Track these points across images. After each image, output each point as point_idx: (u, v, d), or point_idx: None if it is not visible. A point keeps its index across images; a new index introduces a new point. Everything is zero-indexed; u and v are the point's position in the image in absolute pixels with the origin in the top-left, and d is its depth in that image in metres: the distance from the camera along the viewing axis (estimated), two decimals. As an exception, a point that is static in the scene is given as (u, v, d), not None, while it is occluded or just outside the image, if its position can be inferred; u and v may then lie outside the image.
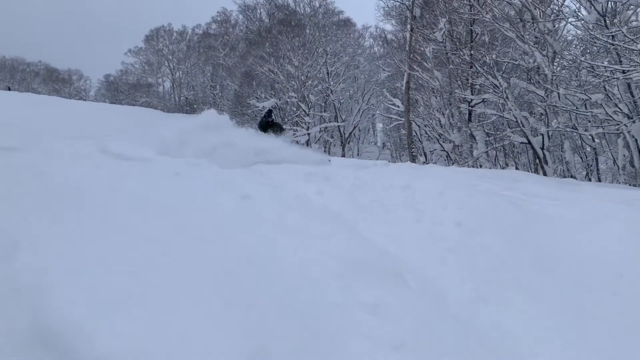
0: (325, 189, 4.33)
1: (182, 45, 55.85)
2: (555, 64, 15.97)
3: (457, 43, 19.54)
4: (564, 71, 16.16)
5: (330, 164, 8.01)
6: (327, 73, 34.49)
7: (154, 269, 1.79)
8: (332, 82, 34.48)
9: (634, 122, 13.75)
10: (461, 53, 19.05)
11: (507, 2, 17.53)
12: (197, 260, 1.92)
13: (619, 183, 17.28)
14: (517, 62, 17.36)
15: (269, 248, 2.15)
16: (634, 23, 15.41)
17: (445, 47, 20.25)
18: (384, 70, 32.80)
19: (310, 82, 33.13)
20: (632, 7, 14.98)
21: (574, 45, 17.84)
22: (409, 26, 23.11)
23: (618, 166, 17.37)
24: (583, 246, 3.60)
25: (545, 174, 15.92)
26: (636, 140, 14.39)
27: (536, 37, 16.57)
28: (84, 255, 1.80)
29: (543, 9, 16.99)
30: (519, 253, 3.52)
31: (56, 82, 59.55)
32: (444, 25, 19.74)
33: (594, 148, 18.66)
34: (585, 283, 2.99)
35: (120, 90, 56.84)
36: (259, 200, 2.67)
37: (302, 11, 38.86)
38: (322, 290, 2.01)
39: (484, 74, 17.50)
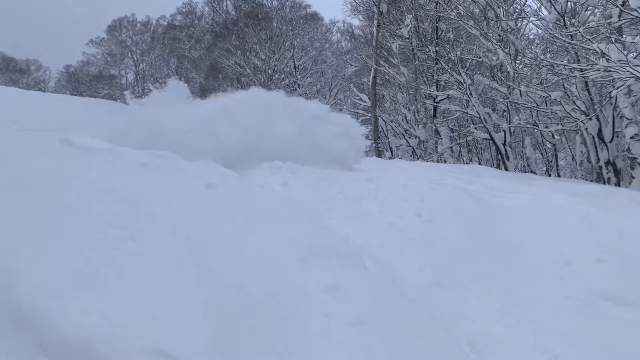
0: (291, 181, 4.40)
1: (146, 36, 54.75)
2: (517, 61, 16.39)
3: (423, 39, 19.82)
4: (525, 69, 16.61)
5: None
6: (294, 67, 34.47)
7: (122, 253, 1.82)
8: (299, 77, 34.47)
9: (590, 119, 14.26)
10: (427, 49, 19.33)
11: (472, 0, 17.88)
12: (163, 245, 1.96)
13: (577, 178, 17.92)
14: (481, 60, 17.76)
15: (234, 235, 2.20)
16: (592, 23, 15.93)
17: (411, 43, 20.50)
18: (351, 65, 32.97)
19: (277, 75, 33.05)
20: (590, 7, 15.51)
21: (535, 44, 18.35)
22: (375, 22, 23.31)
23: (576, 162, 18.00)
24: (537, 236, 3.77)
25: (506, 169, 16.36)
26: (593, 136, 14.93)
27: (499, 35, 16.96)
28: (52, 239, 1.82)
29: (506, 8, 17.41)
30: (476, 242, 3.65)
31: (13, 72, 57.58)
32: (410, 21, 19.99)
33: (554, 144, 19.25)
34: (536, 270, 3.15)
35: (81, 81, 55.36)
36: (224, 190, 2.71)
37: (269, 4, 38.64)
38: (285, 273, 2.08)
39: (449, 70, 17.83)
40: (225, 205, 2.55)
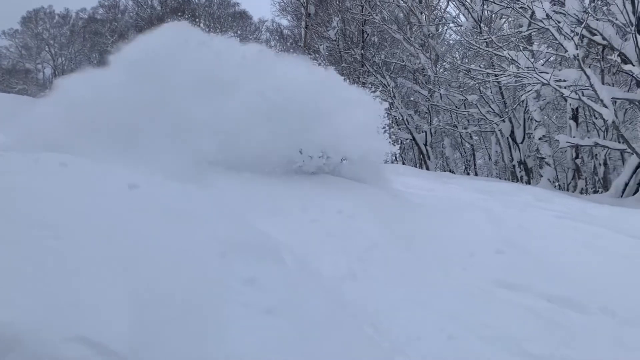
0: (220, 183, 4.46)
1: (65, 29, 52.09)
2: (437, 66, 17.18)
3: (350, 42, 20.29)
4: (445, 73, 17.45)
5: None
6: (223, 65, 34.08)
7: (46, 250, 1.88)
8: (227, 75, 34.12)
9: (503, 121, 15.23)
10: (353, 52, 19.80)
11: (396, 4, 18.52)
12: (86, 242, 2.03)
13: (493, 176, 19.04)
14: (404, 63, 18.46)
15: (155, 232, 2.29)
16: (506, 31, 16.96)
17: (338, 45, 20.92)
18: (280, 65, 33.02)
19: (205, 74, 32.54)
20: (504, 16, 16.54)
21: (454, 49, 19.32)
22: (303, 23, 23.57)
23: (492, 161, 19.12)
24: (446, 230, 4.10)
25: (427, 168, 17.12)
26: (506, 137, 15.95)
27: (421, 40, 17.71)
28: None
29: (428, 14, 18.21)
30: (391, 236, 3.91)
31: None
32: (337, 24, 20.40)
33: (472, 145, 20.30)
34: (442, 260, 3.45)
35: (-7, 75, 51.88)
36: (146, 190, 2.78)
37: (196, 0, 38.01)
38: (205, 268, 2.21)
39: (374, 73, 18.40)
40: (148, 204, 2.62)
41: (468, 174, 20.20)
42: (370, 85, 19.38)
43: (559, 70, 12.18)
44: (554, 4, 11.22)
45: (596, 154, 15.73)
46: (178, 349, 1.80)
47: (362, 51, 19.31)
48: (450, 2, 17.04)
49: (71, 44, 50.88)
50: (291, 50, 27.27)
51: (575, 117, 14.73)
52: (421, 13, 17.78)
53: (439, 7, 18.68)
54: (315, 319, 2.12)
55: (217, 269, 2.23)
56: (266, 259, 2.49)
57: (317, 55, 20.70)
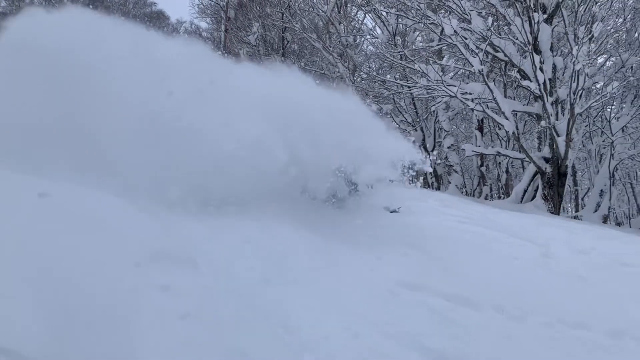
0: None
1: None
2: (355, 75, 17.71)
3: (270, 48, 20.41)
4: (362, 82, 18.02)
5: None
6: (139, 66, 33.02)
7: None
8: (144, 77, 33.10)
9: (415, 130, 15.99)
10: (273, 58, 19.93)
11: (316, 13, 18.90)
12: (-5, 253, 2.01)
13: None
14: (323, 72, 18.85)
15: (69, 242, 2.29)
16: (420, 44, 17.81)
17: (259, 50, 20.97)
18: (199, 67, 32.48)
19: (120, 74, 31.36)
20: (417, 30, 17.37)
21: (371, 60, 19.99)
22: (223, 26, 23.40)
23: (406, 168, 19.95)
24: (359, 234, 4.35)
25: (345, 174, 17.54)
26: (418, 146, 16.73)
27: (340, 50, 18.18)
28: None
29: (346, 24, 18.73)
30: (309, 241, 4.06)
31: None
32: (258, 29, 20.46)
33: (387, 152, 20.99)
34: (352, 264, 3.67)
35: None
36: (58, 199, 2.74)
37: (110, -2, 36.57)
38: (120, 277, 2.24)
39: (294, 80, 18.60)
40: (60, 213, 2.60)
41: (383, 180, 20.83)
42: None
43: (466, 84, 13.02)
44: (462, 22, 11.99)
45: (499, 162, 16.89)
46: (92, 356, 1.84)
47: (283, 58, 19.49)
48: (367, 15, 17.62)
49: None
50: (211, 53, 26.93)
51: (480, 128, 15.76)
52: (340, 23, 18.25)
53: (356, 19, 19.26)
54: (228, 323, 2.23)
55: (132, 277, 2.28)
56: (181, 267, 2.56)
57: (237, 60, 20.60)
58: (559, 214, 11.92)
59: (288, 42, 19.95)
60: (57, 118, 3.83)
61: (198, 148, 4.06)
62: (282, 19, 18.96)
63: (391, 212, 5.59)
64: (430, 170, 5.22)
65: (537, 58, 11.20)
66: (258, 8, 20.65)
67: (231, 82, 4.59)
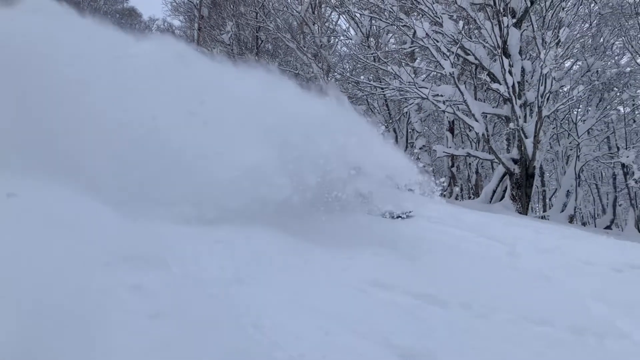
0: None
1: None
2: (329, 76, 17.80)
3: (244, 47, 20.35)
4: (336, 83, 18.11)
5: None
6: (110, 64, 32.50)
7: None
8: (115, 74, 32.59)
9: (388, 131, 16.15)
10: (247, 57, 19.87)
11: (290, 13, 18.92)
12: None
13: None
14: (297, 72, 18.88)
15: (37, 241, 2.28)
16: (393, 46, 17.99)
17: (232, 49, 20.89)
18: (171, 66, 32.14)
19: (90, 72, 30.81)
20: (390, 32, 17.54)
21: (345, 61, 20.12)
22: (196, 25, 23.23)
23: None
24: (332, 234, 4.41)
25: (319, 174, 17.61)
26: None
27: (314, 50, 18.25)
28: None
29: (320, 25, 18.81)
30: (283, 242, 4.09)
31: None
32: (232, 28, 20.38)
33: (360, 153, 21.15)
34: (324, 263, 3.72)
35: None
36: (27, 198, 2.72)
37: (81, -6, 35.89)
38: (89, 277, 2.24)
39: (268, 79, 18.58)
40: (28, 213, 2.58)
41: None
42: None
43: (438, 86, 13.22)
44: (434, 25, 12.18)
45: (469, 163, 17.19)
46: (61, 356, 1.84)
47: (257, 57, 19.45)
48: (341, 16, 17.73)
49: None
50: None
51: (451, 129, 16.01)
52: (314, 23, 18.31)
53: (330, 19, 19.36)
54: (199, 322, 2.25)
55: (102, 277, 2.28)
56: (152, 266, 2.56)
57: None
58: (526, 214, 12.21)
59: (262, 41, 19.93)
60: (21, 117, 3.71)
61: (194, 170, 4.01)
62: (256, 18, 18.93)
63: (396, 217, 5.65)
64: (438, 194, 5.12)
65: (506, 61, 11.45)
66: (232, 7, 20.57)
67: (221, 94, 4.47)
